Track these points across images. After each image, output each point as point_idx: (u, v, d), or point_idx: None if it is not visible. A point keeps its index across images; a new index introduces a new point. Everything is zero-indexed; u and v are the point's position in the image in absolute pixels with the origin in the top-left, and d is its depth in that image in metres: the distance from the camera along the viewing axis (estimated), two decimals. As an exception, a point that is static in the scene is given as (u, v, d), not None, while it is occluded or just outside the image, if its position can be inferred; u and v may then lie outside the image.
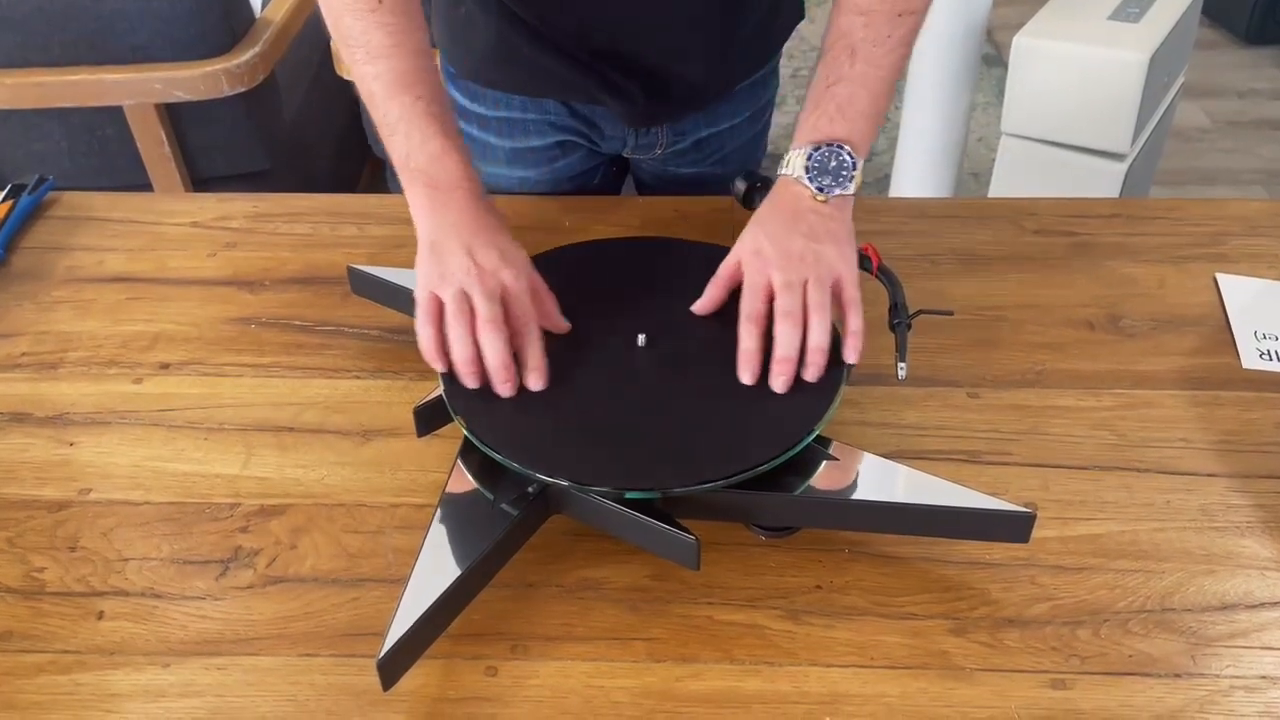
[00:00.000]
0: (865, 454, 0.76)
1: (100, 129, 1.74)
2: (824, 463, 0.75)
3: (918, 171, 1.99)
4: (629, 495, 0.71)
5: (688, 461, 0.73)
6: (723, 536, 0.76)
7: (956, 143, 1.92)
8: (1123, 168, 1.65)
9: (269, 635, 0.71)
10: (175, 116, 1.73)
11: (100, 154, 1.76)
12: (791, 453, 0.73)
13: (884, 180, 2.47)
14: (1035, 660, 0.69)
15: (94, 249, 1.05)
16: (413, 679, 0.68)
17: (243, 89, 1.69)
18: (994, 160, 1.79)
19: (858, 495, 0.73)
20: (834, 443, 0.76)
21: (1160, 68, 1.61)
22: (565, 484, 0.71)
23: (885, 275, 0.83)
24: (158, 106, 1.68)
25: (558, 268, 0.89)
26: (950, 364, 0.90)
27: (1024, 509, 0.71)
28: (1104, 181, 1.65)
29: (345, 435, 0.85)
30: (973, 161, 2.61)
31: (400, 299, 0.91)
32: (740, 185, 0.94)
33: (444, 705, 0.67)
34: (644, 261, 0.90)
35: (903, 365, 0.77)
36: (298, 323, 0.96)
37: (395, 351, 0.93)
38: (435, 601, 0.66)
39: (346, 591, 0.73)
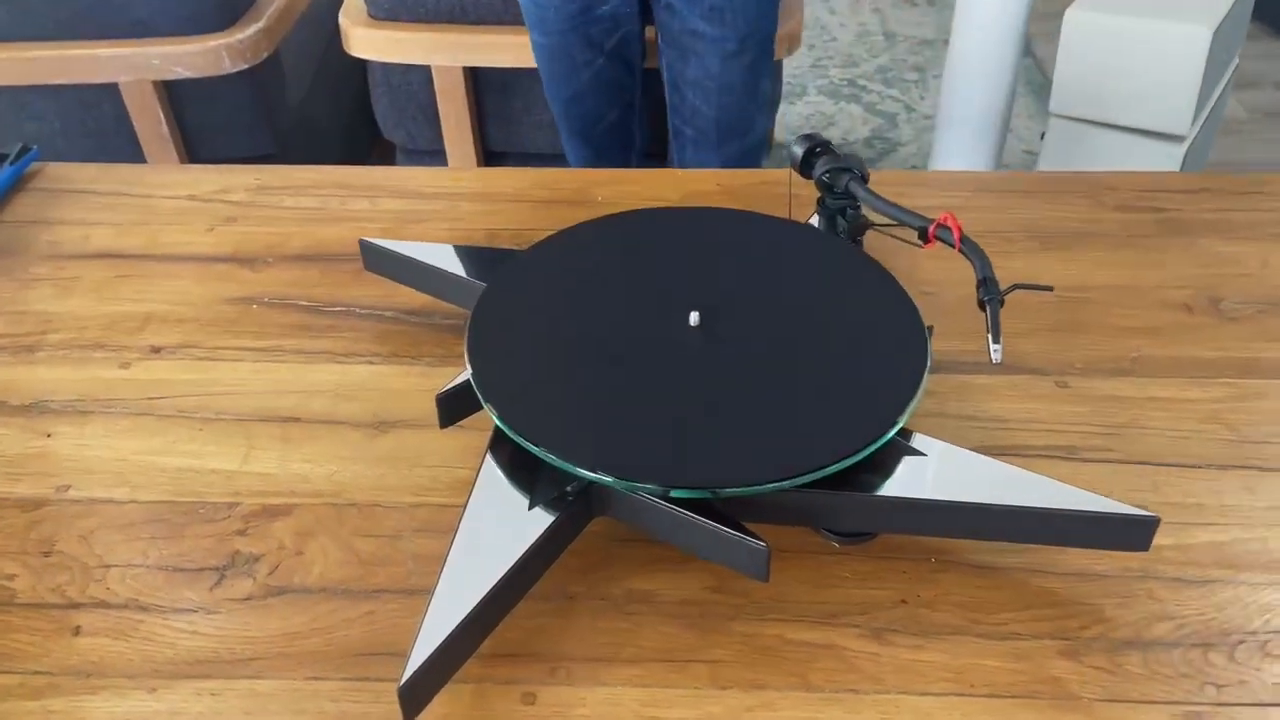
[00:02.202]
0: (955, 448, 0.66)
1: (95, 107, 1.65)
2: (906, 458, 0.65)
3: (955, 160, 1.89)
4: (676, 494, 0.61)
5: (750, 457, 0.63)
6: (788, 542, 0.67)
7: (997, 126, 1.83)
8: (1181, 150, 1.55)
9: (270, 655, 0.61)
10: (174, 95, 1.64)
11: (95, 135, 1.67)
12: (871, 448, 0.63)
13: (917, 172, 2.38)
14: (1164, 689, 0.59)
15: (79, 223, 0.95)
16: (437, 708, 0.58)
17: (245, 65, 1.60)
18: (1023, 152, 1.70)
19: (949, 496, 0.63)
20: (915, 435, 0.67)
21: (1221, 44, 1.52)
22: (610, 481, 0.62)
23: (969, 247, 0.73)
24: (156, 83, 1.59)
25: (597, 240, 0.79)
26: (1032, 350, 0.81)
27: (1146, 513, 0.61)
28: (1161, 166, 1.55)
29: (357, 427, 0.75)
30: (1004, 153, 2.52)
31: (418, 275, 0.82)
32: (798, 150, 0.84)
33: (474, 739, 0.57)
34: (693, 234, 0.80)
35: (997, 347, 0.68)
36: (304, 302, 0.86)
37: (412, 334, 0.83)
38: (466, 617, 0.57)
39: (360, 604, 0.64)
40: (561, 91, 1.48)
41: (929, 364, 0.68)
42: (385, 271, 0.85)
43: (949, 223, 0.75)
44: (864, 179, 0.81)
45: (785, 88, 1.87)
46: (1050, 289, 0.76)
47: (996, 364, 0.67)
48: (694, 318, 0.71)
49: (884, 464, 0.65)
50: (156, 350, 0.82)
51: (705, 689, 0.59)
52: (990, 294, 0.70)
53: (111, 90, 1.60)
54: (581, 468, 0.62)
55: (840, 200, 0.82)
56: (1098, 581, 0.65)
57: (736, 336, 0.71)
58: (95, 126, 1.66)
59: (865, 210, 0.82)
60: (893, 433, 0.64)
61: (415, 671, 0.54)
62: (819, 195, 0.84)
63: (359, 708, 0.59)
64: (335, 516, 0.69)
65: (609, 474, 0.62)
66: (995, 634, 0.62)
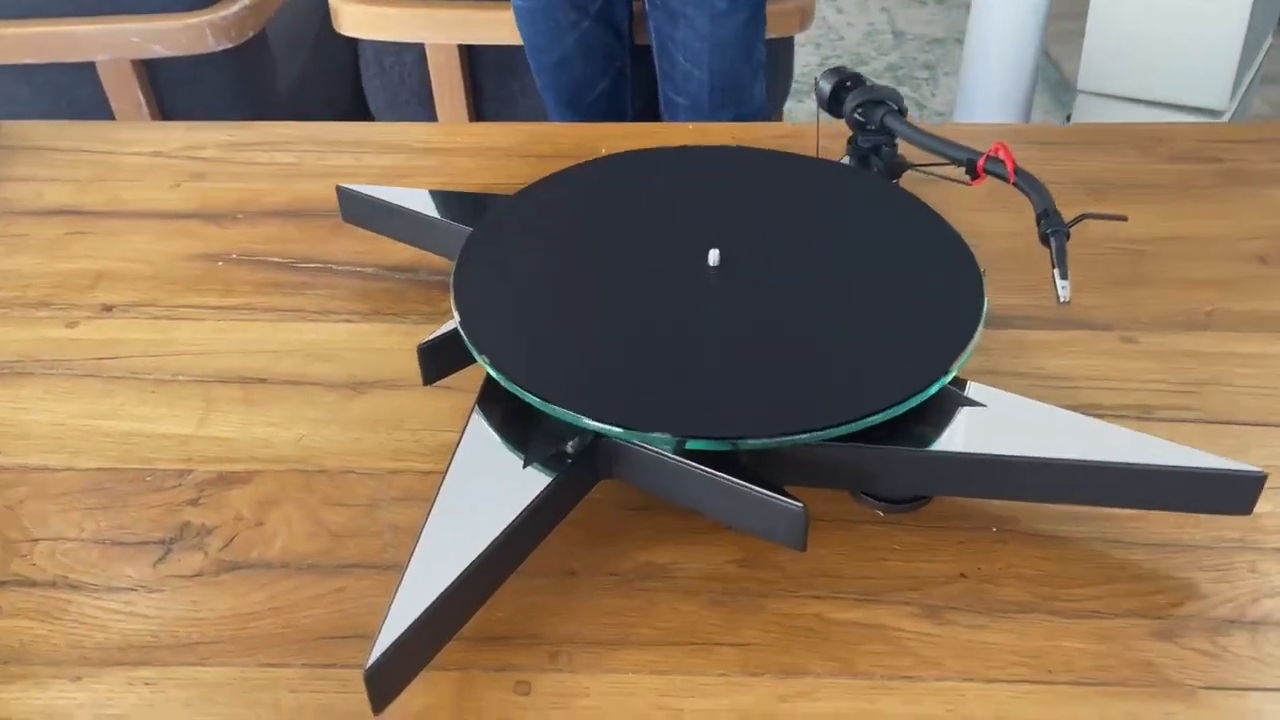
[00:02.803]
0: (1019, 398, 0.57)
1: (71, 90, 1.56)
2: (963, 409, 0.56)
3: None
4: (693, 446, 0.52)
5: (779, 405, 0.54)
6: (825, 511, 0.57)
7: (1024, 94, 1.75)
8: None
9: (220, 639, 0.52)
10: (155, 77, 1.56)
11: (71, 118, 1.58)
12: (922, 395, 0.54)
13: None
14: (1278, 673, 0.50)
15: (32, 179, 0.86)
16: (416, 698, 0.49)
17: (229, 44, 1.52)
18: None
19: (1015, 451, 0.54)
20: (970, 384, 0.58)
21: (1260, 14, 1.43)
22: (618, 432, 0.53)
23: (1026, 180, 0.65)
24: (135, 63, 1.50)
25: (602, 180, 0.71)
26: (1092, 304, 0.72)
27: (1250, 468, 0.52)
28: (1197, 143, 1.46)
29: (331, 388, 0.66)
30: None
31: (401, 224, 0.73)
32: (825, 85, 0.75)
33: (459, 735, 0.48)
34: (709, 173, 0.72)
35: (1064, 283, 0.59)
36: (276, 259, 0.77)
37: (396, 290, 0.74)
38: (445, 591, 0.48)
39: (327, 580, 0.55)
40: (546, 58, 1.40)
41: (985, 305, 0.59)
42: (366, 222, 0.76)
43: (1001, 154, 0.66)
44: (901, 112, 0.72)
45: (794, 85, 1.79)
46: (1124, 218, 0.67)
47: (1064, 302, 0.58)
48: (713, 256, 0.62)
49: (936, 416, 0.56)
50: (108, 309, 0.73)
51: (733, 675, 0.50)
52: (1054, 226, 0.61)
53: (88, 70, 1.52)
54: (585, 417, 0.53)
55: (874, 138, 0.73)
56: (1189, 553, 0.55)
57: (762, 277, 0.62)
58: (71, 110, 1.57)
59: (902, 150, 0.73)
60: (947, 378, 0.55)
61: (384, 653, 0.45)
62: (849, 136, 0.75)
63: (322, 699, 0.49)
64: (302, 484, 0.60)
65: (616, 424, 0.52)
66: (1072, 612, 0.53)
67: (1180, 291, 0.73)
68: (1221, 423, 0.63)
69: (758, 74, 1.35)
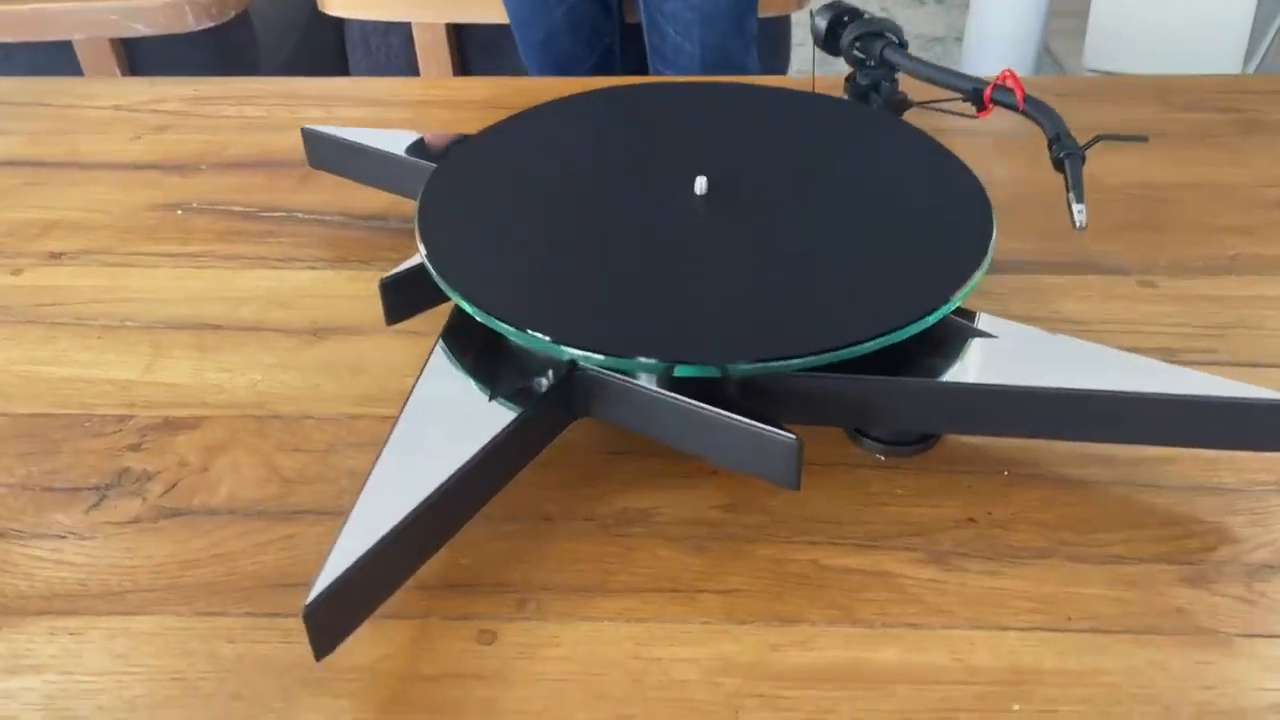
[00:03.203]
0: (1035, 330, 0.52)
1: (50, 69, 1.52)
2: (973, 340, 0.51)
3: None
4: (681, 372, 0.47)
5: (773, 330, 0.49)
6: (820, 453, 0.53)
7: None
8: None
9: (154, 587, 0.47)
10: (134, 56, 1.51)
11: (50, 101, 1.54)
12: (930, 318, 0.49)
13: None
14: (1324, 619, 0.45)
15: (-14, 131, 0.82)
16: (366, 647, 0.44)
17: (210, 23, 1.48)
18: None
19: (1032, 382, 0.49)
20: (980, 315, 0.53)
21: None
22: (599, 359, 0.48)
23: (1035, 106, 0.60)
24: (114, 42, 1.46)
25: (582, 112, 0.66)
26: (1108, 249, 0.67)
27: (1290, 396, 0.47)
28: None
29: (290, 333, 0.62)
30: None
31: (372, 167, 0.69)
32: (821, 21, 0.71)
33: (414, 686, 0.43)
34: (697, 106, 0.67)
35: (1080, 207, 0.54)
36: (239, 208, 0.73)
37: (365, 239, 0.70)
38: (396, 528, 0.43)
39: (276, 527, 0.50)
40: (533, 34, 1.36)
41: (994, 233, 0.54)
42: (334, 166, 0.71)
43: (1009, 82, 0.61)
44: (902, 45, 0.68)
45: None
46: (1144, 139, 0.63)
47: (1081, 227, 0.54)
48: (700, 184, 0.57)
49: (943, 346, 0.51)
50: (56, 256, 0.68)
51: (719, 623, 0.45)
52: (1068, 149, 0.56)
53: (67, 50, 1.48)
54: (564, 345, 0.48)
55: (873, 73, 0.68)
56: (1220, 496, 0.51)
57: (754, 204, 0.57)
58: (49, 91, 1.53)
59: (903, 87, 0.69)
60: (956, 301, 0.50)
61: (325, 591, 0.40)
62: (848, 74, 0.71)
63: (265, 649, 0.44)
64: (254, 429, 0.55)
65: (597, 351, 0.48)
66: (1093, 557, 0.48)
67: (1201, 236, 0.68)
68: (1249, 365, 0.58)
69: (750, 47, 1.31)
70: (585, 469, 0.52)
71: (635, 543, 0.49)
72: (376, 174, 0.69)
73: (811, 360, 0.47)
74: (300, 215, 0.72)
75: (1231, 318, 0.62)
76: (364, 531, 0.42)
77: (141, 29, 1.46)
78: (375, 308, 0.56)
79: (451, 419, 0.48)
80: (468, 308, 0.51)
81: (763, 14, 1.37)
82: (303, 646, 0.42)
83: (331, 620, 0.41)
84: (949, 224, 0.56)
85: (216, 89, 0.87)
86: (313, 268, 0.67)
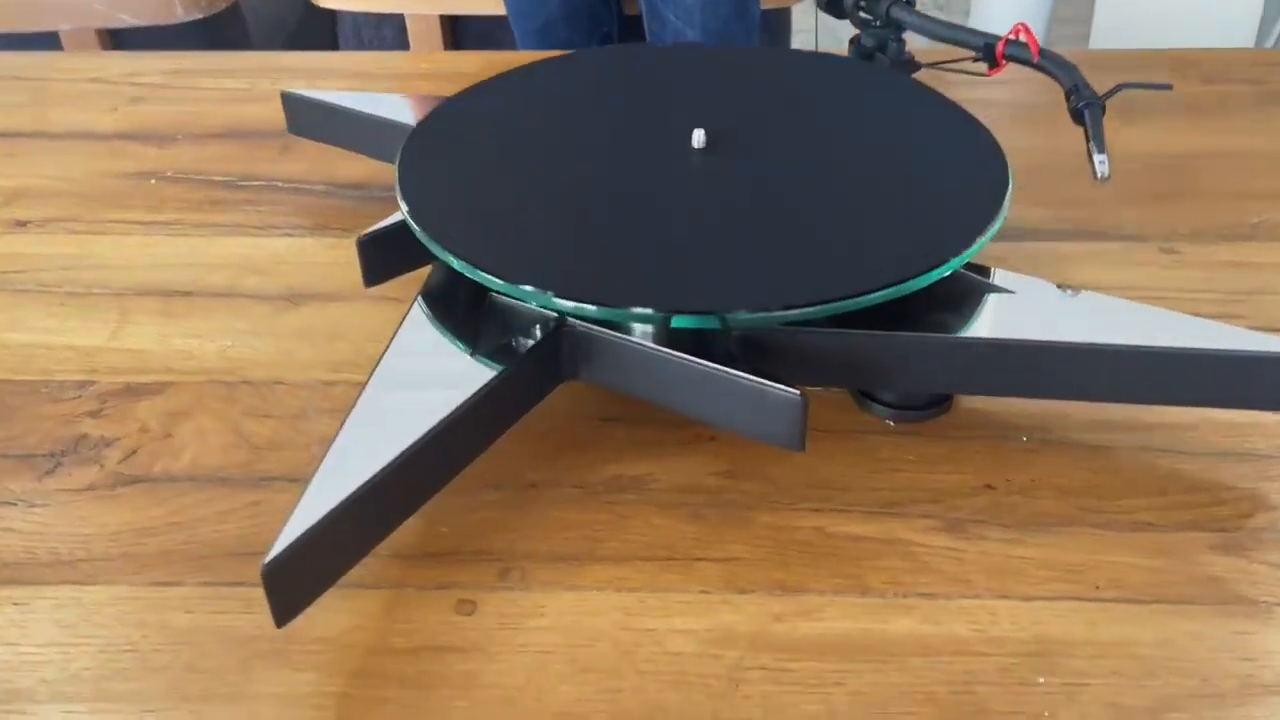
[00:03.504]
0: (1049, 284, 0.49)
1: (35, 62, 1.49)
2: (989, 295, 0.48)
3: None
4: (678, 323, 0.44)
5: (777, 279, 0.46)
6: (827, 419, 0.49)
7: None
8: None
9: (108, 556, 0.44)
10: (121, 48, 1.48)
11: (36, 94, 1.51)
12: (944, 268, 0.46)
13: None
14: (1373, 587, 0.41)
15: (-45, 102, 0.79)
16: (335, 617, 0.41)
17: (199, 15, 1.45)
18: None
19: (1055, 337, 0.45)
20: (996, 270, 0.50)
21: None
22: (591, 311, 0.44)
23: (1051, 60, 0.57)
24: (100, 33, 1.43)
25: (575, 70, 0.63)
26: (1126, 217, 0.64)
27: (1331, 350, 0.44)
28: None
29: (265, 300, 0.58)
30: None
31: (356, 133, 0.65)
32: (822, -21, 0.68)
33: (385, 659, 0.39)
34: (693, 67, 0.64)
35: (1101, 157, 0.51)
36: (217, 177, 0.70)
37: (347, 208, 0.67)
38: (365, 486, 0.39)
39: (242, 494, 0.46)
40: (530, 24, 1.33)
41: (1010, 185, 0.51)
42: (315, 132, 0.68)
43: (1023, 35, 0.58)
44: (909, 2, 0.64)
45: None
46: (1168, 86, 0.60)
47: (1103, 178, 0.51)
48: (698, 137, 0.54)
49: (955, 301, 0.48)
50: (21, 224, 0.65)
51: (717, 592, 0.42)
52: (1087, 99, 0.53)
53: (52, 41, 1.45)
54: (554, 296, 0.45)
55: (880, 33, 0.65)
56: (1252, 462, 0.47)
57: (757, 157, 0.54)
58: (35, 84, 1.50)
59: (910, 49, 0.66)
60: (972, 251, 0.47)
61: (287, 549, 0.37)
62: (852, 36, 0.68)
63: (223, 619, 0.41)
64: (223, 395, 0.52)
65: (590, 301, 0.44)
66: (1119, 525, 0.44)
67: (1223, 203, 0.65)
68: (1274, 330, 0.55)
69: (752, 35, 1.28)
70: (573, 436, 0.49)
71: (627, 510, 0.45)
72: (358, 138, 0.65)
73: (817, 310, 0.44)
74: (280, 184, 0.69)
75: (1256, 283, 0.58)
76: (331, 489, 0.39)
77: (128, 19, 1.43)
78: (355, 274, 0.52)
79: (427, 377, 0.45)
80: (453, 262, 0.47)
81: (765, 6, 1.35)
82: (264, 617, 0.38)
83: (293, 583, 0.37)
84: (962, 177, 0.52)
85: (197, 63, 0.84)
86: (290, 235, 0.64)
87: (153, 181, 0.69)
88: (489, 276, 0.46)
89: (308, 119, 0.67)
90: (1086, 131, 0.52)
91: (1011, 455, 0.48)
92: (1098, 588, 0.42)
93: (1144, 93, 0.78)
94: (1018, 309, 0.47)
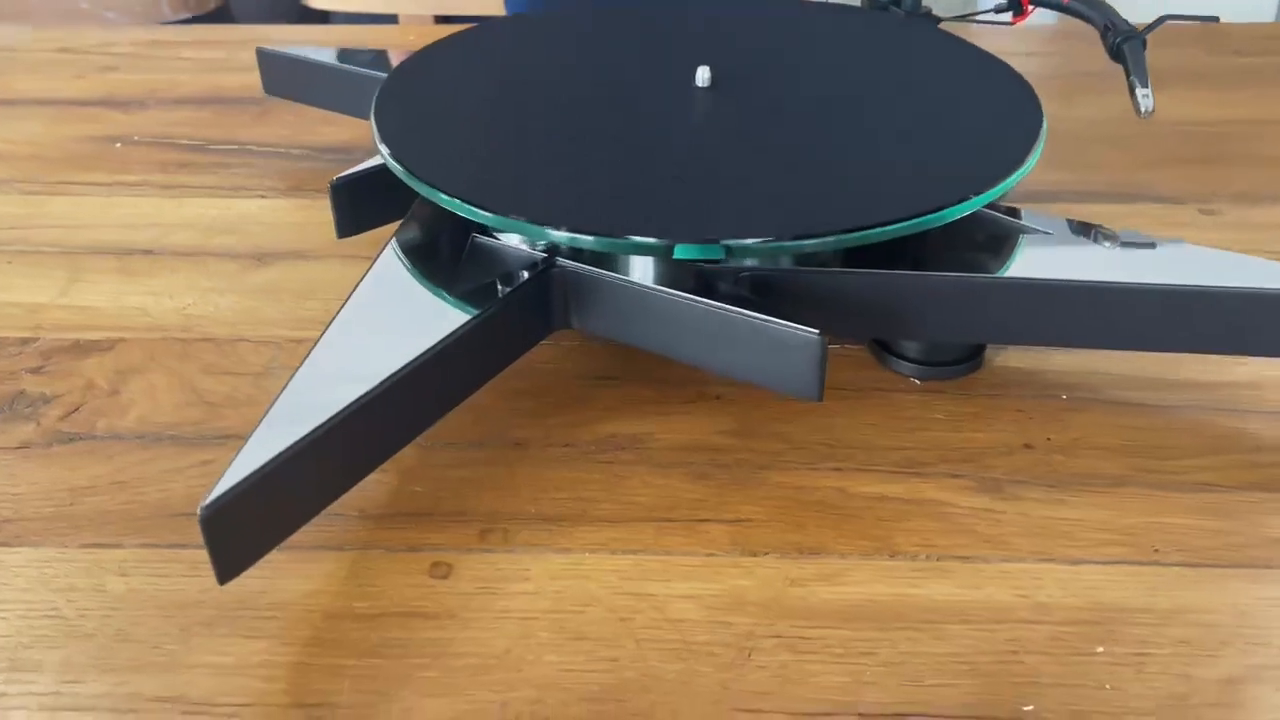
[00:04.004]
0: (1089, 225, 0.44)
1: (17, 62, 1.45)
2: (1023, 236, 0.43)
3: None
4: (680, 253, 0.39)
5: (790, 209, 0.41)
6: (844, 378, 0.45)
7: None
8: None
9: (37, 516, 0.39)
10: (108, 48, 1.45)
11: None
12: (978, 200, 0.41)
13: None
14: None
15: (-85, 70, 0.75)
16: (291, 581, 0.36)
17: (187, 15, 1.41)
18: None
19: (1099, 277, 0.41)
20: (1025, 210, 0.45)
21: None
22: (588, 241, 0.40)
23: (1080, 1, 0.53)
24: (85, 31, 1.40)
25: (572, 16, 0.59)
26: (1161, 178, 0.60)
27: None
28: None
29: (233, 258, 0.54)
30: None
31: (335, 89, 0.61)
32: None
33: (345, 626, 0.34)
34: (704, 11, 0.59)
35: (1145, 92, 0.47)
36: (186, 141, 0.65)
37: (326, 171, 0.62)
38: (321, 430, 0.34)
39: (193, 452, 0.42)
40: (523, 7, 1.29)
41: (1044, 122, 0.47)
42: (292, 90, 0.64)
43: (1051, -23, 0.54)
44: (927, -49, 0.60)
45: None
46: (1216, 19, 0.55)
47: (1147, 113, 0.46)
48: (703, 75, 0.50)
49: (984, 241, 0.43)
50: (-26, 184, 0.60)
51: (724, 554, 0.37)
52: (1125, 33, 0.49)
53: (36, 40, 1.41)
54: (548, 227, 0.40)
55: (895, -16, 0.61)
56: (1321, 420, 0.42)
57: (767, 96, 0.49)
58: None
59: (926, 3, 0.61)
60: (1012, 180, 0.42)
61: (231, 491, 0.32)
62: (865, -8, 0.63)
63: (163, 584, 0.36)
64: (178, 352, 0.47)
65: (587, 231, 0.40)
66: (1176, 485, 0.40)
67: (1263, 168, 0.61)
68: (1338, 289, 0.50)
69: None
70: (564, 395, 0.44)
71: (622, 470, 0.40)
72: (338, 96, 0.61)
73: (831, 242, 0.39)
74: (254, 148, 0.64)
75: (1308, 243, 0.54)
76: (284, 430, 0.34)
77: (113, 18, 1.39)
78: (329, 234, 0.48)
79: (398, 320, 0.40)
80: (441, 198, 0.42)
81: None
82: (209, 580, 0.33)
83: (238, 534, 0.32)
84: (992, 114, 0.48)
85: (176, 34, 0.80)
86: (262, 196, 0.59)
87: (118, 145, 0.65)
88: (477, 209, 0.41)
89: (285, 77, 0.63)
90: (1127, 67, 0.48)
91: (1050, 413, 0.43)
92: (1156, 551, 0.37)
93: (1180, 67, 0.74)
94: (1057, 251, 0.43)
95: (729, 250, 0.39)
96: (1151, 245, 0.42)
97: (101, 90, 0.72)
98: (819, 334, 0.37)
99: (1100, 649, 0.33)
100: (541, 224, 0.40)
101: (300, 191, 0.60)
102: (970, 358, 0.45)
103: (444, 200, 0.42)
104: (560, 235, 0.40)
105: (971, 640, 0.34)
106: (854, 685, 0.32)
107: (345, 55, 0.62)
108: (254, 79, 0.65)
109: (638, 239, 0.39)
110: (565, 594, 0.35)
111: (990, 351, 0.46)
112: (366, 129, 0.48)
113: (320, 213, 0.57)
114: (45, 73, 0.74)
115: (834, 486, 0.40)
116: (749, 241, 0.39)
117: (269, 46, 0.63)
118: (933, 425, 0.42)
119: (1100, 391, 0.44)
